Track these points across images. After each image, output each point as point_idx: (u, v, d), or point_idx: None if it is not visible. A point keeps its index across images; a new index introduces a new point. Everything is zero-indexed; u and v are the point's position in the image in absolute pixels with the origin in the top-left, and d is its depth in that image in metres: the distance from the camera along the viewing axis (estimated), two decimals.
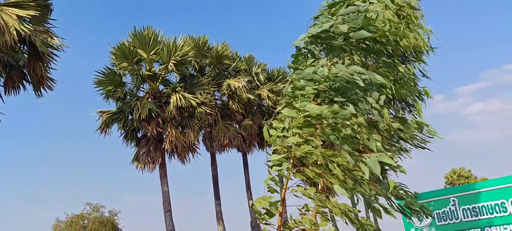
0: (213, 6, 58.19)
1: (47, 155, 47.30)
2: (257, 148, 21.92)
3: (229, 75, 20.13)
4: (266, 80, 21.23)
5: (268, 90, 20.55)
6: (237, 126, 20.07)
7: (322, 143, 4.61)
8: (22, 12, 10.56)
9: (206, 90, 18.14)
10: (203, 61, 19.52)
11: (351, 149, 3.62)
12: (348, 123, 3.66)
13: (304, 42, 3.70)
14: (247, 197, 20.92)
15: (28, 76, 12.12)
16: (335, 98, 3.73)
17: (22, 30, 10.23)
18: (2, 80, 12.10)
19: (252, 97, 19.68)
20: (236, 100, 19.55)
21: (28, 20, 11.06)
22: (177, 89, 17.26)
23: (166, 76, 18.26)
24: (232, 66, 20.20)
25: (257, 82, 20.81)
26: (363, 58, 4.21)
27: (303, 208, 4.14)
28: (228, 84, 19.29)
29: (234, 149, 20.36)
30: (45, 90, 12.16)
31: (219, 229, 18.89)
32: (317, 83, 3.78)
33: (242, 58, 21.23)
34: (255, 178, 21.69)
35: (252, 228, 19.63)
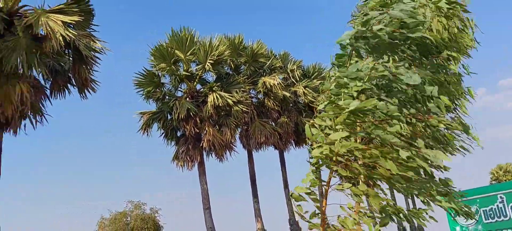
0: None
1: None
2: (294, 145, 21.85)
3: (264, 73, 20.19)
4: (301, 77, 21.10)
5: (304, 87, 20.43)
6: (273, 124, 20.09)
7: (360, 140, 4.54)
8: (67, 18, 11.04)
9: (242, 89, 18.28)
10: (238, 60, 19.66)
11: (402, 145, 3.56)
12: (401, 117, 3.59)
13: (349, 40, 3.66)
14: (285, 195, 20.90)
15: (73, 80, 12.62)
16: (381, 96, 3.67)
17: (67, 35, 10.69)
18: (49, 84, 12.67)
19: (287, 94, 19.63)
20: (272, 97, 19.57)
21: (72, 25, 11.53)
22: (214, 88, 17.50)
23: (203, 76, 18.56)
24: (267, 64, 20.24)
25: (293, 79, 20.74)
26: (409, 57, 4.11)
27: (349, 208, 4.10)
28: (264, 82, 19.34)
29: (270, 146, 20.42)
30: (89, 92, 12.62)
31: (258, 227, 19.00)
32: (361, 81, 3.74)
33: (277, 56, 21.21)
34: (292, 175, 21.66)
35: (291, 225, 19.60)
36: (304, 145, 21.84)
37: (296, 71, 20.82)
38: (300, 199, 4.05)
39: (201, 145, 17.21)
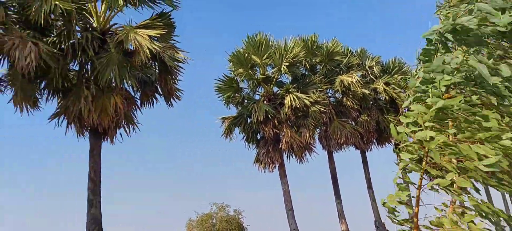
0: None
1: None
2: (376, 144, 21.15)
3: (341, 72, 19.84)
4: (381, 73, 20.41)
5: (384, 84, 19.71)
6: (353, 123, 19.62)
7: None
8: (152, 32, 11.80)
9: (319, 89, 18.13)
10: (313, 60, 19.54)
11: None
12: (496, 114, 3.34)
13: (436, 34, 3.48)
14: (369, 196, 20.30)
15: (160, 89, 13.46)
16: (472, 90, 3.43)
17: (153, 48, 11.43)
18: (139, 94, 13.64)
19: (367, 92, 19.10)
20: (350, 96, 19.16)
21: (156, 38, 12.31)
22: (290, 90, 17.59)
23: (279, 78, 18.72)
24: (344, 62, 19.85)
25: (372, 76, 20.13)
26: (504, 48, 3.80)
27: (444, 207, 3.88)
28: (341, 80, 19.01)
29: (351, 146, 19.96)
30: (175, 100, 13.37)
31: (342, 228, 18.65)
32: (449, 75, 3.52)
33: (354, 53, 20.73)
34: (375, 175, 20.97)
35: (377, 227, 18.97)
36: (387, 143, 21.06)
37: (375, 67, 20.19)
38: (393, 211, 3.94)
39: (280, 146, 17.37)
